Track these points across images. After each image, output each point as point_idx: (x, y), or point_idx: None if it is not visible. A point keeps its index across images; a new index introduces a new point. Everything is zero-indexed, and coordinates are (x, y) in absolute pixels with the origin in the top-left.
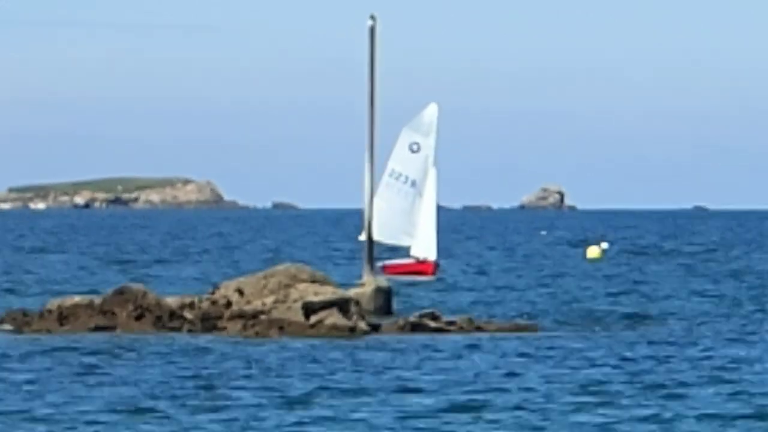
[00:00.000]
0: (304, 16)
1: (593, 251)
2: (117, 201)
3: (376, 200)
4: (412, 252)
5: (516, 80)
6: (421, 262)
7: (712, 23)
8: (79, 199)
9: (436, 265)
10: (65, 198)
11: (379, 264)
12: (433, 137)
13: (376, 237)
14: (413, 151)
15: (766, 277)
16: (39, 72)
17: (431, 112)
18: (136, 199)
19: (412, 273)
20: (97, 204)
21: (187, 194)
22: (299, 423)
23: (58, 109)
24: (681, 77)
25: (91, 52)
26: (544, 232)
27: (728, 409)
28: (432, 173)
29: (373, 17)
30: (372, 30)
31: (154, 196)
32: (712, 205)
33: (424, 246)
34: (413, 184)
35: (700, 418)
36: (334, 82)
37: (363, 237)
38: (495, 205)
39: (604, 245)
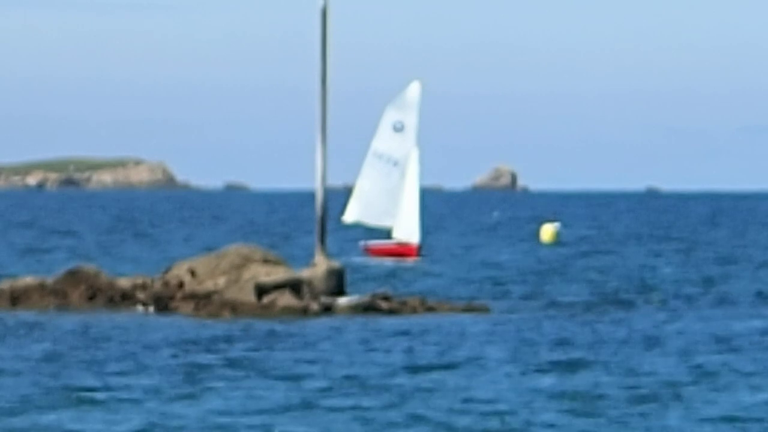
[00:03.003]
0: None
1: (547, 233)
2: (69, 181)
3: (359, 181)
4: (395, 234)
5: (468, 61)
6: (404, 245)
7: (665, 5)
8: (31, 180)
9: (420, 247)
10: (17, 178)
11: (361, 243)
12: (416, 116)
13: (360, 219)
14: (396, 130)
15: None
16: None
17: (414, 90)
18: (88, 180)
19: (394, 255)
20: (49, 184)
21: (140, 175)
22: None
23: (10, 89)
24: (635, 59)
25: (43, 31)
26: (496, 213)
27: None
28: (414, 153)
29: None
30: (324, 10)
31: (107, 177)
32: (664, 187)
33: (407, 228)
34: (396, 163)
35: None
36: (286, 61)
37: (348, 219)
38: (447, 186)
39: (557, 225)
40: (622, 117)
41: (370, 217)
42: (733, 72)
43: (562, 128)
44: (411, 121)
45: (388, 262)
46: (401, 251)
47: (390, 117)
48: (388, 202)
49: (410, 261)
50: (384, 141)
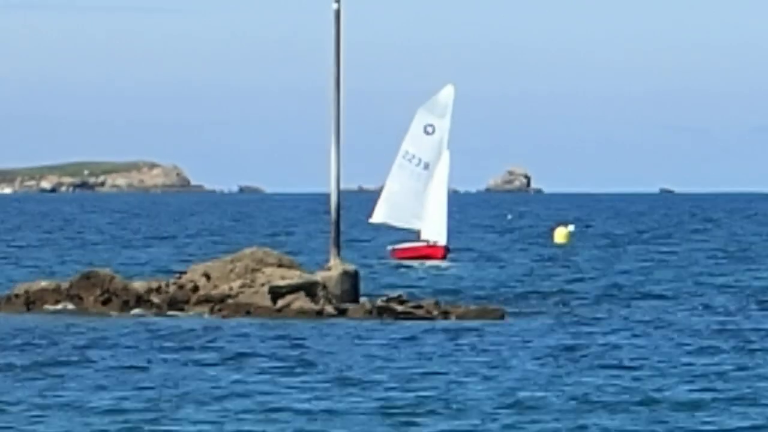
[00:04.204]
0: None
1: (561, 234)
2: (83, 185)
3: (388, 182)
4: (423, 236)
5: (481, 63)
6: (431, 246)
7: (678, 5)
8: (46, 184)
9: (447, 249)
10: (31, 182)
11: (389, 248)
12: (448, 119)
13: (387, 220)
14: (428, 133)
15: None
16: (2, 55)
17: (447, 93)
18: (102, 184)
19: (421, 257)
20: (63, 188)
21: (154, 178)
22: None
23: (23, 92)
24: (648, 59)
25: (55, 34)
26: (509, 216)
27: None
28: (445, 156)
29: (338, 0)
30: (337, 13)
31: (121, 181)
32: (678, 188)
33: (435, 229)
34: (426, 166)
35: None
36: (302, 63)
37: (375, 220)
38: (461, 189)
39: (571, 227)
40: (636, 118)
41: (398, 218)
42: (747, 72)
43: (575, 130)
44: (443, 123)
45: (416, 264)
46: (429, 252)
47: (422, 119)
48: (417, 204)
49: (438, 262)
50: (414, 143)
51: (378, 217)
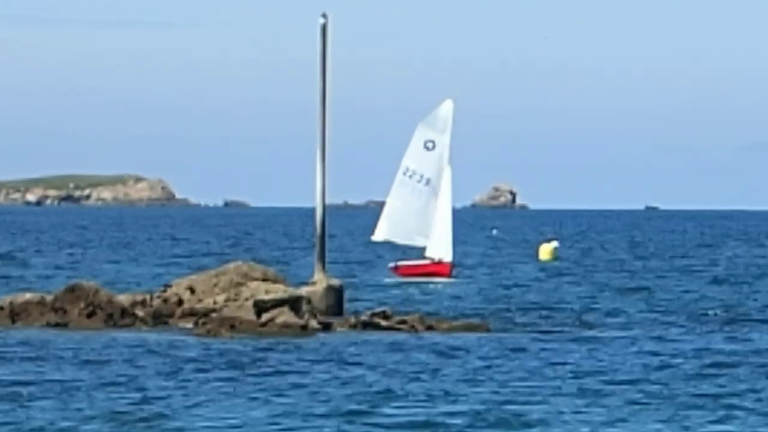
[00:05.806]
0: (257, 12)
1: (546, 251)
2: (69, 198)
3: (389, 199)
4: (428, 253)
5: (468, 79)
6: (437, 263)
7: (666, 24)
8: (31, 197)
9: (452, 266)
10: (17, 195)
11: (391, 264)
12: (448, 134)
13: (389, 237)
14: (428, 149)
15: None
16: None
17: (446, 108)
18: (88, 197)
19: (427, 274)
20: (48, 201)
21: (139, 192)
22: None
23: (9, 104)
24: (634, 77)
25: (42, 48)
26: (494, 231)
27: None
28: (447, 171)
29: (324, 16)
30: (324, 28)
31: (106, 194)
32: (663, 206)
33: (440, 246)
34: (428, 182)
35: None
36: (287, 78)
37: (377, 237)
38: None
39: (555, 244)
40: (622, 136)
41: (400, 235)
42: (734, 91)
43: (561, 147)
44: (443, 139)
45: (420, 281)
46: (434, 270)
47: (421, 135)
48: (419, 220)
49: (443, 280)
50: (415, 159)
51: (380, 234)
